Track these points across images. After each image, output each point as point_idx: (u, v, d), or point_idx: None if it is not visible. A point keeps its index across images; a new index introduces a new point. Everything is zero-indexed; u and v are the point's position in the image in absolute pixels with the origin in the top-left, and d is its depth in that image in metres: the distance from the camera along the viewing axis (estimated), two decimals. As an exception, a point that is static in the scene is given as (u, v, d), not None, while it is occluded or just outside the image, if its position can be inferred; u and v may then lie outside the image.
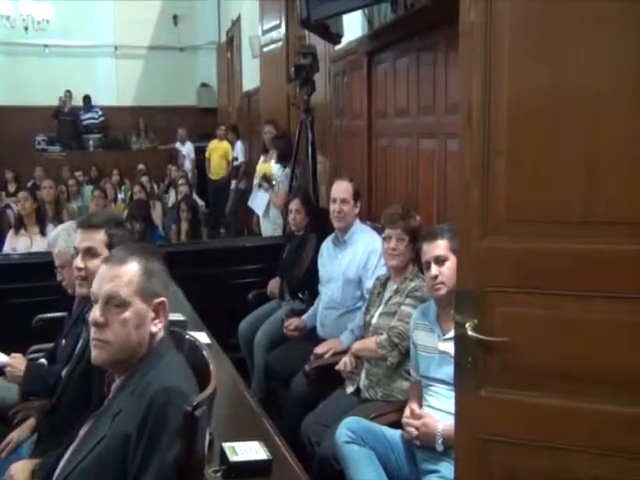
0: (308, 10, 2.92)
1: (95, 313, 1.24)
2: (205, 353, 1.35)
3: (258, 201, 4.64)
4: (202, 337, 2.24)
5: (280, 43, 5.48)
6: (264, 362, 3.04)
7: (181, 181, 6.12)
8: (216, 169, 7.73)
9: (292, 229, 3.42)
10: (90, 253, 1.79)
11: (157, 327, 1.28)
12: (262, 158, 5.01)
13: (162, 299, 1.29)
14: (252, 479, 1.42)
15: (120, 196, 7.05)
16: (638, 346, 1.28)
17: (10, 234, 4.31)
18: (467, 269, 1.43)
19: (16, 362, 2.03)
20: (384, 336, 2.23)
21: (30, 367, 2.04)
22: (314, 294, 3.06)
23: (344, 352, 2.49)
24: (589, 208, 1.31)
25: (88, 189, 7.21)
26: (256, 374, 3.13)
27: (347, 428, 1.91)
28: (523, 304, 1.38)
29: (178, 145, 8.82)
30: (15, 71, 9.39)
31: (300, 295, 3.21)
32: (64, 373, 1.83)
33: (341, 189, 2.83)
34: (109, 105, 9.92)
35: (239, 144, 7.54)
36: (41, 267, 2.52)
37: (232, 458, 1.43)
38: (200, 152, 8.39)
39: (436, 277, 1.94)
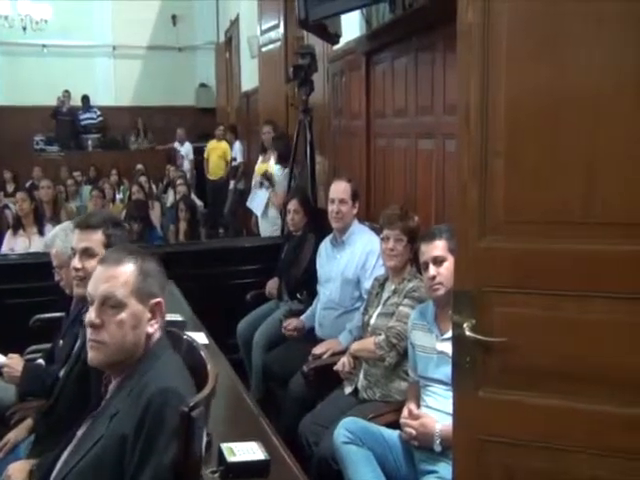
0: (306, 10, 2.92)
1: (91, 314, 1.24)
2: (203, 353, 1.35)
3: (257, 201, 4.64)
4: (200, 337, 2.23)
5: (279, 43, 5.48)
6: (262, 362, 3.04)
7: (179, 181, 6.12)
8: (214, 169, 7.73)
9: (290, 229, 3.41)
10: (87, 253, 1.78)
11: (153, 328, 1.28)
12: (260, 158, 5.01)
13: (158, 299, 1.29)
14: (250, 480, 1.42)
15: (118, 196, 7.05)
16: (636, 346, 1.28)
17: (8, 234, 4.31)
18: (465, 269, 1.43)
19: (13, 362, 2.03)
20: (382, 336, 2.22)
21: (27, 367, 2.04)
22: (312, 294, 3.06)
23: (342, 352, 2.49)
24: (588, 209, 1.31)
25: (86, 189, 7.20)
26: (254, 374, 3.13)
27: (345, 428, 1.91)
28: (521, 304, 1.38)
29: (177, 145, 8.82)
30: (13, 71, 9.39)
31: (298, 295, 3.20)
32: (61, 374, 1.83)
33: (339, 189, 2.83)
34: (107, 105, 9.92)
35: (238, 144, 7.54)
36: (39, 267, 2.51)
37: (230, 459, 1.43)
38: (199, 152, 8.39)
39: (434, 277, 1.94)
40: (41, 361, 2.23)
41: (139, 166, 7.94)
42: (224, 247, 4.25)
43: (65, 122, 9.59)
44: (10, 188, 7.14)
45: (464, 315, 1.41)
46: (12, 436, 1.86)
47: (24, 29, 8.94)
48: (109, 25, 9.89)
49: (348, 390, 2.36)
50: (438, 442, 1.82)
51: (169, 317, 2.29)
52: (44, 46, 9.45)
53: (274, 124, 4.87)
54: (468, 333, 1.40)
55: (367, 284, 2.63)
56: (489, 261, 1.40)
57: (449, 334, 1.68)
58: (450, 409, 1.52)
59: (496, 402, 1.42)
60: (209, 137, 8.07)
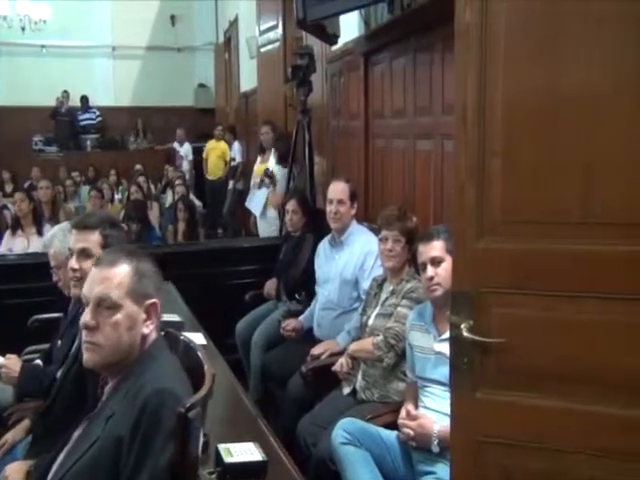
0: (304, 10, 2.92)
1: (86, 316, 1.23)
2: (199, 354, 1.35)
3: (255, 202, 4.64)
4: (198, 338, 2.23)
5: (277, 44, 5.48)
6: (261, 363, 3.04)
7: (178, 181, 6.12)
8: (213, 169, 7.73)
9: (289, 230, 3.41)
10: (85, 254, 1.78)
11: (149, 329, 1.27)
12: (259, 159, 5.00)
13: (154, 300, 1.28)
14: (247, 481, 1.41)
15: (117, 196, 7.04)
16: (634, 347, 1.28)
17: (7, 235, 4.31)
18: (463, 270, 1.42)
19: (11, 363, 2.02)
20: (380, 337, 2.22)
21: (25, 368, 2.03)
22: (311, 295, 3.05)
23: (341, 353, 2.49)
24: (586, 209, 1.30)
25: (85, 189, 7.19)
26: (253, 375, 3.12)
27: (343, 429, 1.91)
28: (519, 305, 1.38)
29: (176, 145, 8.82)
30: (12, 71, 9.38)
31: (297, 296, 3.20)
32: (59, 374, 1.82)
33: (337, 190, 2.82)
34: (106, 105, 9.92)
35: (236, 144, 7.54)
36: (37, 268, 2.51)
37: (227, 459, 1.43)
38: (198, 152, 8.40)
39: (432, 278, 1.93)
40: (39, 362, 2.23)
41: (138, 166, 7.94)
42: (222, 247, 4.24)
43: (64, 122, 9.59)
44: (9, 188, 7.13)
45: (462, 316, 1.41)
46: (9, 437, 1.85)
47: (23, 29, 8.94)
48: (108, 25, 9.88)
49: (346, 391, 2.36)
50: (436, 443, 1.82)
51: (167, 317, 2.30)
52: (43, 46, 9.45)
53: (273, 124, 4.87)
54: (466, 334, 1.39)
55: (365, 285, 2.63)
56: (487, 262, 1.40)
57: (447, 335, 1.68)
58: (448, 410, 1.52)
59: (493, 403, 1.42)
60: (208, 137, 8.07)
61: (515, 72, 1.33)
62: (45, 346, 2.31)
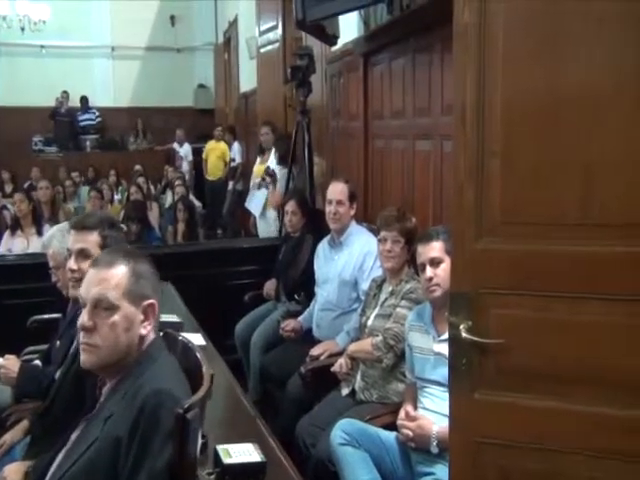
0: (304, 11, 2.92)
1: (83, 317, 1.23)
2: (198, 355, 1.34)
3: (255, 202, 4.64)
4: (197, 339, 2.23)
5: (277, 44, 5.48)
6: (260, 364, 3.03)
7: (178, 182, 6.12)
8: (213, 170, 7.73)
9: (288, 230, 3.41)
10: (83, 254, 1.78)
11: (146, 329, 1.27)
12: (259, 159, 5.01)
13: (151, 301, 1.28)
14: (246, 481, 1.41)
15: (117, 197, 7.04)
16: (633, 348, 1.28)
17: (6, 235, 4.31)
18: (461, 271, 1.42)
19: (10, 363, 2.02)
20: (379, 338, 2.22)
21: (24, 369, 2.03)
22: (310, 295, 3.05)
23: (340, 354, 2.49)
24: (585, 210, 1.30)
25: (85, 190, 7.19)
26: (252, 375, 3.12)
27: (342, 430, 1.91)
28: (518, 306, 1.38)
29: (176, 146, 8.82)
30: (12, 72, 9.38)
31: (296, 296, 3.20)
32: (58, 375, 1.82)
33: (337, 190, 2.82)
34: (106, 106, 9.92)
35: (236, 145, 7.55)
36: (36, 268, 2.51)
37: (226, 460, 1.43)
38: (197, 153, 8.40)
39: (431, 279, 1.93)
40: (38, 362, 2.22)
41: (137, 167, 7.94)
42: (222, 248, 4.24)
43: (64, 123, 9.58)
44: (8, 189, 7.13)
45: (460, 317, 1.41)
46: (8, 438, 1.85)
47: (22, 30, 8.94)
48: (107, 26, 9.88)
49: (345, 391, 2.36)
50: (435, 444, 1.82)
51: (165, 318, 2.31)
52: (42, 47, 9.45)
53: (272, 125, 4.87)
54: (464, 335, 1.39)
55: (364, 285, 2.63)
56: (486, 263, 1.39)
57: (446, 335, 1.67)
58: (447, 410, 1.52)
59: (492, 404, 1.42)
60: (208, 138, 8.08)
61: (514, 72, 1.33)
62: (44, 347, 2.31)
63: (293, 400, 2.56)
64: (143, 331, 1.26)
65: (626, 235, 1.26)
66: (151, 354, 1.27)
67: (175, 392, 1.17)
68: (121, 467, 1.12)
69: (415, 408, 1.97)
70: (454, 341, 1.43)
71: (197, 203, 6.67)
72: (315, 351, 2.66)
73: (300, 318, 3.01)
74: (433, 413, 1.89)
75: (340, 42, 3.61)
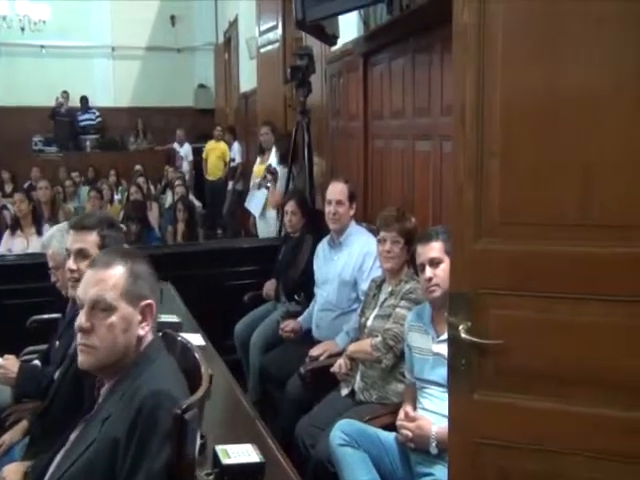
0: (303, 11, 2.92)
1: (81, 319, 1.23)
2: (197, 355, 1.34)
3: (254, 202, 4.65)
4: (197, 339, 2.23)
5: (277, 44, 5.48)
6: (259, 364, 3.03)
7: (178, 182, 6.12)
8: (213, 170, 7.73)
9: (288, 231, 3.41)
10: (82, 255, 1.78)
11: (144, 330, 1.27)
12: (259, 159, 5.01)
13: (149, 301, 1.28)
14: (244, 482, 1.41)
15: (117, 197, 7.04)
16: (632, 349, 1.28)
17: (6, 235, 4.31)
18: (461, 271, 1.42)
19: (9, 364, 2.02)
20: (379, 338, 2.22)
21: (23, 369, 2.02)
22: (310, 296, 3.05)
23: (339, 354, 2.49)
24: (584, 211, 1.30)
25: (85, 190, 7.18)
26: (251, 376, 3.12)
27: (341, 431, 1.91)
28: (517, 307, 1.37)
29: (176, 146, 8.82)
30: (12, 72, 9.38)
31: (296, 297, 3.20)
32: (57, 375, 1.82)
33: (336, 191, 2.82)
34: (106, 106, 9.92)
35: (236, 145, 7.55)
36: (36, 268, 2.51)
37: (225, 461, 1.42)
38: (197, 153, 8.39)
39: (430, 279, 1.93)
40: (37, 362, 2.22)
41: (137, 167, 7.94)
42: (222, 248, 4.24)
43: (64, 123, 9.58)
44: (8, 189, 7.13)
45: (460, 317, 1.40)
46: (7, 438, 1.85)
47: (22, 30, 8.94)
48: (108, 26, 9.88)
49: (345, 392, 2.35)
50: (434, 444, 1.81)
51: (165, 318, 2.31)
52: (42, 47, 9.45)
53: (272, 125, 4.87)
54: (463, 335, 1.39)
55: (364, 286, 2.63)
56: (485, 263, 1.39)
57: (445, 336, 1.67)
58: (446, 411, 1.51)
59: (491, 405, 1.41)
60: (208, 138, 8.08)
61: (513, 73, 1.33)
62: (44, 347, 2.31)
63: (293, 400, 2.56)
64: (141, 332, 1.26)
65: (626, 236, 1.26)
66: (149, 355, 1.26)
67: (173, 393, 1.17)
68: (119, 468, 1.12)
69: (414, 409, 1.96)
70: (453, 341, 1.42)
71: (197, 203, 6.67)
72: (315, 351, 2.66)
73: (300, 318, 3.01)
74: (432, 414, 1.89)
75: (340, 42, 3.61)
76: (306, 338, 2.91)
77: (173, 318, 2.37)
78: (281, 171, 4.32)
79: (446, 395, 1.55)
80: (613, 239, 1.27)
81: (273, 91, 5.59)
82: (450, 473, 1.50)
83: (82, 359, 1.23)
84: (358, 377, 2.32)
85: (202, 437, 1.41)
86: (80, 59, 9.74)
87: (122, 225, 3.82)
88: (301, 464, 2.05)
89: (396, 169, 3.11)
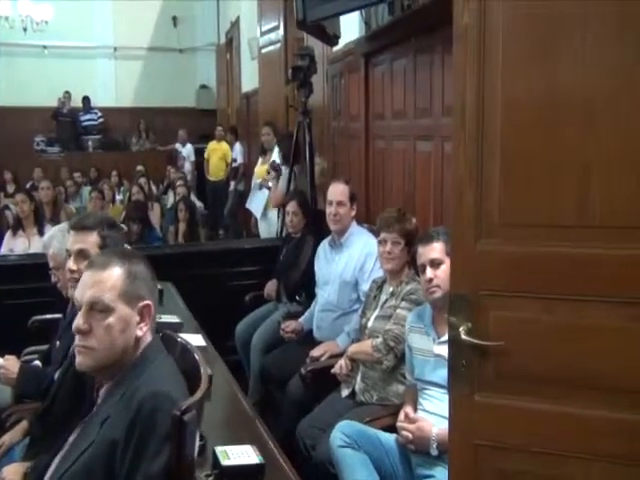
0: (304, 11, 2.91)
1: (78, 320, 1.22)
2: (196, 356, 1.34)
3: (255, 203, 4.65)
4: (198, 340, 2.23)
5: (278, 45, 5.48)
6: (260, 365, 3.03)
7: (179, 182, 6.13)
8: (215, 170, 7.73)
9: (289, 231, 3.41)
10: (82, 255, 1.78)
11: (142, 331, 1.26)
12: (260, 160, 5.01)
13: (147, 302, 1.27)
14: (244, 484, 1.41)
15: (118, 197, 7.05)
16: (633, 351, 1.27)
17: (8, 235, 4.31)
18: (461, 273, 1.42)
19: (9, 364, 2.02)
20: (380, 339, 2.22)
21: (24, 369, 2.02)
22: (311, 296, 3.05)
23: (340, 355, 2.48)
24: (584, 212, 1.30)
25: (86, 190, 7.20)
26: (253, 377, 3.12)
27: (341, 432, 1.90)
28: (517, 308, 1.37)
29: (178, 146, 8.83)
30: (14, 72, 9.40)
31: (297, 297, 3.20)
32: (57, 375, 1.82)
33: (337, 191, 2.82)
34: (108, 106, 9.92)
35: (238, 145, 7.55)
36: (37, 268, 2.51)
37: (224, 462, 1.42)
38: (199, 153, 8.40)
39: (431, 280, 1.93)
40: (38, 362, 2.23)
41: (139, 167, 7.95)
42: (223, 248, 4.24)
43: (66, 123, 9.60)
44: (10, 189, 7.14)
45: (460, 318, 1.40)
46: (7, 438, 1.85)
47: (25, 30, 8.95)
48: (110, 26, 9.89)
49: (345, 393, 2.35)
50: (435, 446, 1.81)
51: (166, 319, 2.31)
52: (45, 47, 9.47)
53: (273, 125, 4.87)
54: (464, 337, 1.39)
55: (365, 286, 2.62)
56: (485, 264, 1.39)
57: (446, 337, 1.66)
58: (447, 413, 1.51)
59: (492, 406, 1.41)
60: (210, 138, 8.08)
61: (513, 74, 1.32)
62: (44, 347, 2.31)
63: (293, 401, 2.56)
64: (139, 332, 1.26)
65: (627, 237, 1.26)
66: (148, 356, 1.26)
67: (172, 394, 1.16)
68: (118, 470, 1.12)
69: (415, 410, 1.96)
70: (454, 343, 1.42)
71: (199, 203, 6.68)
72: (315, 352, 2.65)
73: (301, 319, 3.00)
74: (433, 415, 1.88)
75: (341, 42, 3.61)
76: (307, 339, 2.90)
77: (174, 318, 2.37)
78: (284, 171, 4.31)
79: (447, 397, 1.55)
80: (614, 240, 1.27)
81: (274, 91, 5.59)
82: (450, 475, 1.49)
83: (80, 360, 1.23)
84: (359, 378, 2.31)
85: (202, 438, 1.40)
86: (82, 59, 9.75)
87: (123, 225, 3.83)
88: (302, 465, 2.05)
89: (397, 170, 3.11)
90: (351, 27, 3.50)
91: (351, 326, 2.66)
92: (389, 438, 1.95)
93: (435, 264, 1.94)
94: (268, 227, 4.47)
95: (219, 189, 7.62)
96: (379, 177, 3.36)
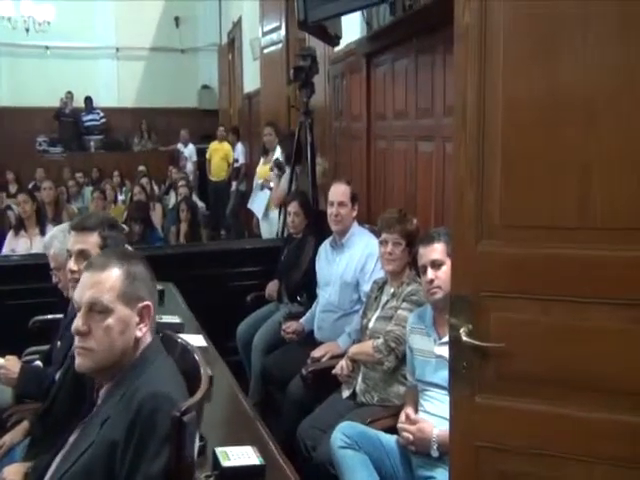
0: (305, 11, 2.91)
1: (77, 322, 1.22)
2: (196, 356, 1.34)
3: (257, 203, 4.65)
4: (198, 340, 2.23)
5: (280, 45, 5.49)
6: (261, 365, 3.03)
7: (181, 183, 6.13)
8: (217, 171, 7.73)
9: (291, 231, 3.41)
10: (83, 256, 1.78)
11: (142, 332, 1.26)
12: (262, 160, 5.01)
13: (146, 303, 1.27)
14: (244, 484, 1.40)
15: (120, 197, 7.06)
16: (634, 353, 1.27)
17: (10, 235, 4.32)
18: (462, 274, 1.41)
19: (10, 364, 2.01)
20: (381, 340, 2.21)
21: (25, 369, 2.02)
22: (312, 297, 3.05)
23: (341, 356, 2.48)
24: (586, 213, 1.29)
25: (88, 190, 7.22)
26: (254, 377, 3.12)
27: (342, 433, 1.90)
28: (518, 310, 1.36)
29: (180, 147, 8.83)
30: (16, 72, 9.42)
31: (298, 298, 3.20)
32: (57, 376, 1.82)
33: (338, 192, 2.81)
34: (110, 106, 9.94)
35: (240, 146, 7.55)
36: (39, 269, 2.51)
37: (224, 463, 1.42)
38: (202, 154, 8.41)
39: (432, 281, 1.92)
40: (39, 363, 2.23)
41: (141, 167, 7.96)
42: (224, 249, 4.24)
43: (68, 123, 9.61)
44: (13, 189, 7.15)
45: (461, 320, 1.40)
46: (8, 439, 1.85)
47: (27, 30, 8.96)
48: (112, 27, 9.91)
49: (346, 394, 2.35)
50: (435, 447, 1.80)
51: (166, 319, 2.31)
52: (47, 47, 9.49)
53: (275, 126, 4.87)
54: (465, 338, 1.38)
55: (366, 287, 2.62)
56: (486, 265, 1.38)
57: (447, 338, 1.66)
58: (448, 414, 1.50)
59: (493, 408, 1.40)
60: (211, 139, 8.08)
61: (514, 74, 1.32)
62: (46, 347, 2.31)
63: (294, 402, 2.55)
64: (139, 333, 1.25)
65: (629, 239, 1.25)
66: (148, 356, 1.26)
67: (172, 395, 1.16)
68: (117, 471, 1.12)
69: (416, 411, 1.95)
70: (454, 344, 1.42)
71: (200, 204, 6.67)
72: (316, 353, 2.65)
73: (302, 320, 3.00)
74: (434, 416, 1.88)
75: (343, 43, 3.60)
76: (308, 339, 2.90)
77: (175, 319, 2.37)
78: (286, 170, 4.31)
79: (448, 398, 1.54)
80: (616, 242, 1.26)
81: (276, 92, 5.60)
82: (451, 476, 1.49)
83: (79, 362, 1.23)
84: (360, 379, 2.31)
85: (202, 439, 1.40)
86: (84, 60, 9.76)
87: (125, 226, 3.83)
88: (303, 466, 2.05)
89: (399, 170, 3.10)
90: (352, 27, 3.49)
91: (352, 327, 2.66)
92: (390, 439, 1.95)
93: (436, 265, 1.93)
94: (270, 227, 4.47)
95: (221, 189, 7.62)
96: (380, 177, 3.36)
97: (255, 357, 3.10)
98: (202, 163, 8.27)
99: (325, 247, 2.97)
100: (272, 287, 3.40)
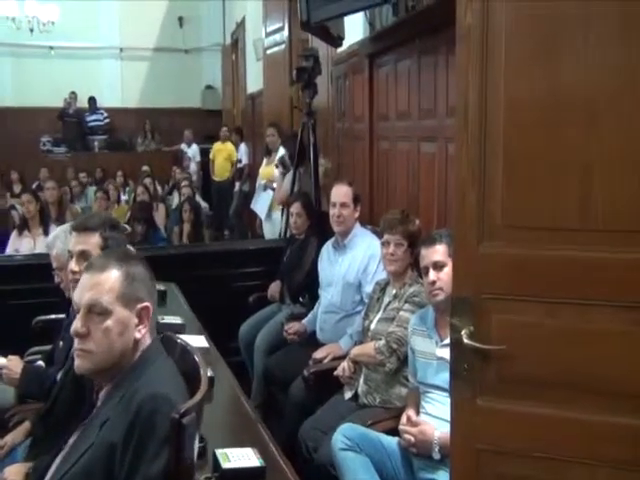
0: (308, 12, 2.90)
1: (76, 324, 1.22)
2: (197, 357, 1.33)
3: (260, 204, 4.65)
4: (200, 341, 2.23)
5: (283, 46, 5.49)
6: (263, 366, 3.03)
7: (184, 183, 6.14)
8: (220, 171, 7.74)
9: (293, 232, 3.40)
10: (84, 256, 1.77)
11: (141, 333, 1.25)
12: (265, 161, 5.01)
13: (146, 304, 1.26)
14: (245, 486, 1.40)
15: (124, 197, 7.07)
16: (637, 355, 1.26)
17: (14, 235, 4.33)
18: (463, 275, 1.41)
19: (12, 364, 2.02)
20: (382, 342, 2.21)
21: (26, 369, 2.03)
22: (314, 298, 3.04)
23: (343, 357, 2.47)
24: (586, 215, 1.29)
25: (92, 190, 7.23)
26: (256, 378, 3.11)
27: (343, 435, 1.90)
28: (520, 312, 1.36)
29: (184, 147, 8.84)
30: (20, 72, 9.45)
31: (300, 299, 3.19)
32: (59, 376, 1.82)
33: (341, 193, 2.81)
34: (114, 107, 9.96)
35: (243, 146, 7.56)
36: (42, 269, 2.51)
37: (224, 465, 1.42)
38: (205, 154, 8.42)
39: (434, 283, 1.92)
40: (41, 363, 2.23)
41: (145, 168, 7.96)
42: (227, 249, 4.24)
43: (72, 123, 9.63)
44: (17, 189, 7.17)
45: (462, 321, 1.39)
46: (9, 439, 1.85)
47: (31, 31, 9.00)
48: (116, 27, 9.93)
49: (348, 395, 2.34)
50: (437, 450, 1.80)
51: (168, 320, 2.31)
52: (51, 48, 9.51)
53: (278, 126, 4.87)
54: (466, 340, 1.38)
55: (368, 288, 2.61)
56: (488, 267, 1.38)
57: (449, 340, 1.66)
58: (449, 416, 1.50)
59: (494, 411, 1.40)
60: (215, 139, 8.09)
61: (516, 74, 1.32)
62: (48, 347, 2.31)
63: (296, 403, 2.55)
64: (138, 335, 1.25)
65: (632, 241, 1.24)
66: (147, 358, 1.25)
67: (171, 396, 1.16)
68: (117, 472, 1.11)
69: (417, 413, 1.95)
70: (456, 346, 1.41)
71: (204, 204, 6.68)
72: (318, 354, 2.65)
73: (304, 321, 3.00)
74: (435, 418, 1.87)
75: (345, 43, 3.60)
76: (310, 340, 2.90)
77: (176, 319, 2.37)
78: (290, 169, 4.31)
79: (449, 400, 1.54)
80: (618, 244, 1.26)
81: (279, 92, 5.60)
82: (452, 479, 1.48)
83: (78, 364, 1.23)
84: (361, 380, 2.30)
85: (202, 440, 1.40)
86: (88, 60, 9.79)
87: (127, 226, 3.84)
88: (304, 468, 2.04)
89: (401, 171, 3.10)
90: (355, 28, 3.49)
91: (354, 328, 2.65)
92: (391, 441, 1.94)
93: (438, 266, 1.93)
94: (272, 228, 4.47)
95: (224, 190, 7.63)
96: (383, 178, 3.35)
97: (257, 358, 3.10)
98: (205, 163, 8.28)
99: (327, 248, 2.96)
100: (274, 288, 3.40)
